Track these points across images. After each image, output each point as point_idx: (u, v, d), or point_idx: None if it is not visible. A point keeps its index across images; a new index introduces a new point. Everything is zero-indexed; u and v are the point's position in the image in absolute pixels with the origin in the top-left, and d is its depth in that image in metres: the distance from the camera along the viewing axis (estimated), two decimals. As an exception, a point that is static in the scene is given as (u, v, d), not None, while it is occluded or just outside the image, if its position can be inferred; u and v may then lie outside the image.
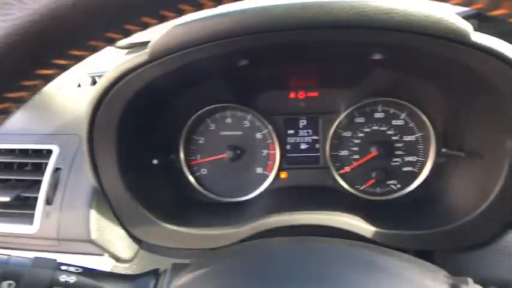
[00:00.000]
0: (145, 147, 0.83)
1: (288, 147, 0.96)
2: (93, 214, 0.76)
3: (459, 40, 0.58)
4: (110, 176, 0.75)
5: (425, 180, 0.90)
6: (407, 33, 0.57)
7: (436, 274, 0.48)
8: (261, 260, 0.45)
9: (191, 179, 0.96)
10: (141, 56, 0.64)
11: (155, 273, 0.56)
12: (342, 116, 0.91)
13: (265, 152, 0.96)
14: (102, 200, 0.78)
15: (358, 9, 0.56)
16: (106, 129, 0.71)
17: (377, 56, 0.65)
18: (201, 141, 0.97)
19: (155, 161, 0.84)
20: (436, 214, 0.80)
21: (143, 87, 0.67)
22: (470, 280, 0.49)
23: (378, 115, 0.93)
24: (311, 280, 0.36)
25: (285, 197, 0.92)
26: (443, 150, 0.86)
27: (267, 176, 0.95)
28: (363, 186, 0.93)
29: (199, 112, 0.93)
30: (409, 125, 0.92)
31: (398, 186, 0.93)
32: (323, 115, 0.94)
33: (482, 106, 0.71)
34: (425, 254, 0.78)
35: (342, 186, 0.93)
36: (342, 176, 0.94)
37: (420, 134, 0.91)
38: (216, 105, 0.93)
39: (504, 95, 0.63)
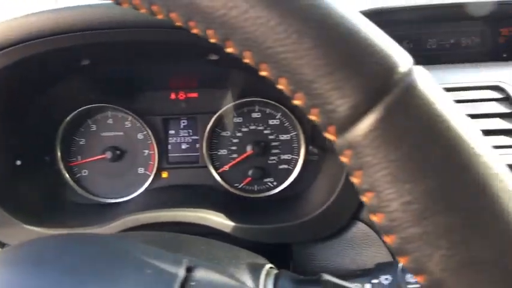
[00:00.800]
0: (6, 149, 0.81)
1: (170, 147, 0.97)
2: None
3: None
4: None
5: (297, 177, 0.94)
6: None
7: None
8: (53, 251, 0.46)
9: (70, 180, 0.95)
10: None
11: None
12: (216, 115, 0.93)
13: (146, 152, 0.97)
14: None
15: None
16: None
17: (213, 57, 0.67)
18: (81, 142, 0.96)
19: (18, 162, 0.82)
20: (299, 208, 0.84)
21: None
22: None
23: (255, 115, 0.96)
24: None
25: (164, 196, 0.93)
26: (310, 148, 0.90)
27: (148, 176, 0.96)
28: (241, 185, 0.96)
29: (75, 112, 0.92)
30: (285, 125, 0.96)
31: (275, 183, 0.96)
32: (202, 115, 0.96)
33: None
34: (284, 247, 0.81)
35: (220, 185, 0.96)
36: (221, 174, 0.96)
37: (294, 133, 0.95)
38: (94, 106, 0.93)
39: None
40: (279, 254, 0.77)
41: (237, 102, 0.93)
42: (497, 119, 0.71)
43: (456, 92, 0.75)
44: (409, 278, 0.44)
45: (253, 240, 0.78)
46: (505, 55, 1.15)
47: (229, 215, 0.80)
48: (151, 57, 0.78)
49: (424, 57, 1.17)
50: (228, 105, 0.93)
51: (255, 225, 0.79)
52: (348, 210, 0.75)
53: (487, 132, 0.70)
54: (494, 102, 0.73)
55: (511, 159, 0.66)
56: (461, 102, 0.74)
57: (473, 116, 0.71)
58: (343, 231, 0.77)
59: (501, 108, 0.72)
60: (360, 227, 0.77)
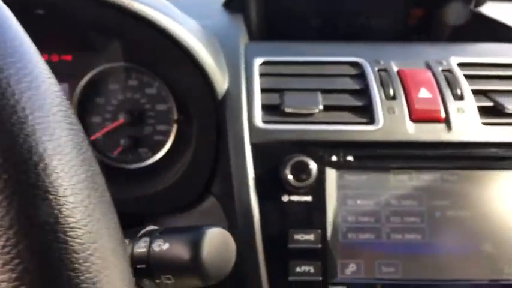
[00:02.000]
0: None
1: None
2: None
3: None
4: None
5: (171, 148, 0.91)
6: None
7: None
8: None
9: None
10: None
11: None
12: (86, 79, 0.89)
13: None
14: None
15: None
16: None
17: (40, 11, 0.63)
18: None
19: None
20: (159, 179, 0.81)
21: None
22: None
23: (131, 82, 0.92)
24: None
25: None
26: (180, 117, 0.87)
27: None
28: (114, 154, 0.92)
29: None
30: (162, 94, 0.92)
31: (149, 154, 0.93)
32: (73, 79, 0.91)
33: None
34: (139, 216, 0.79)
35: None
36: (93, 142, 0.92)
37: (172, 104, 0.92)
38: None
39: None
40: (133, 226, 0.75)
41: (109, 66, 0.89)
42: (346, 95, 0.70)
43: (314, 66, 0.74)
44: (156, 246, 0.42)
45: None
46: (414, 36, 1.15)
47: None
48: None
49: (333, 35, 1.16)
50: (100, 69, 0.89)
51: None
52: (199, 182, 0.73)
53: (335, 108, 0.68)
54: (347, 78, 0.72)
55: (348, 136, 0.65)
56: (317, 76, 0.72)
57: (325, 91, 0.70)
58: (195, 204, 0.76)
59: (354, 84, 0.71)
60: (211, 201, 0.75)
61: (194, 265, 0.39)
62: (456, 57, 0.74)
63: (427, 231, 0.65)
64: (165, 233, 0.45)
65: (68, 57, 0.92)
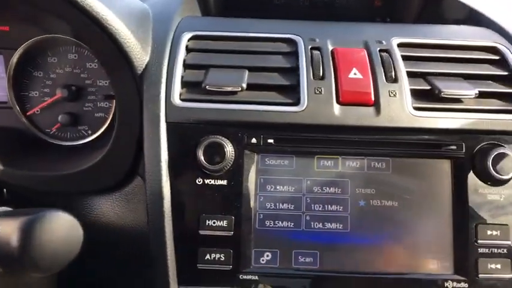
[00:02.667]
0: None
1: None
2: None
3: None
4: None
5: (110, 126, 0.88)
6: None
7: None
8: None
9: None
10: None
11: None
12: (21, 51, 0.85)
13: None
14: None
15: None
16: None
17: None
18: None
19: None
20: (88, 157, 0.78)
21: None
22: None
23: (71, 56, 0.88)
24: None
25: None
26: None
27: None
28: (52, 130, 0.89)
29: None
30: (103, 69, 0.88)
31: (89, 131, 0.90)
32: (9, 51, 0.87)
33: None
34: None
35: (30, 129, 0.88)
36: (30, 118, 0.89)
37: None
38: None
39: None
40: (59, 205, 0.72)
41: (44, 37, 0.84)
42: (275, 74, 0.65)
43: (245, 42, 0.69)
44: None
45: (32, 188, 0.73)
46: (378, 19, 1.09)
47: (24, 161, 0.74)
48: None
49: (297, 13, 1.10)
50: (36, 40, 0.84)
51: (41, 173, 0.73)
52: (124, 162, 0.69)
53: (260, 87, 0.64)
54: (279, 56, 0.67)
55: (270, 117, 0.61)
56: (246, 53, 0.68)
57: (253, 69, 0.66)
58: (122, 184, 0.72)
59: (284, 63, 0.66)
60: (138, 182, 0.72)
61: (21, 254, 0.35)
62: (398, 37, 0.69)
63: (350, 221, 0.61)
64: (3, 215, 0.41)
65: (6, 28, 0.88)
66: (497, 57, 0.70)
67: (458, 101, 0.63)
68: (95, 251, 0.75)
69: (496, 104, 0.64)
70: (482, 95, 0.64)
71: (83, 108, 0.90)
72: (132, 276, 0.74)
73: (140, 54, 0.65)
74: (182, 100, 0.63)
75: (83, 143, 0.91)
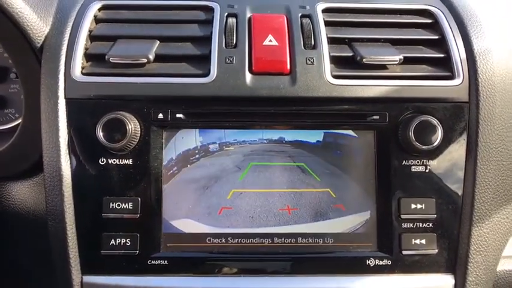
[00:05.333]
0: None
1: None
2: None
3: None
4: None
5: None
6: None
7: None
8: None
9: None
10: None
11: None
12: None
13: None
14: None
15: None
16: None
17: None
18: None
19: None
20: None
21: None
22: None
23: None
24: None
25: None
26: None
27: None
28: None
29: None
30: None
31: (16, 115, 0.85)
32: None
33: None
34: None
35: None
36: None
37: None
38: None
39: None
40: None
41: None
42: (188, 43, 0.60)
43: (158, 11, 0.64)
44: None
45: None
46: None
47: None
48: None
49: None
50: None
51: None
52: (36, 146, 0.64)
53: (170, 58, 0.59)
54: (194, 25, 0.62)
55: (178, 90, 0.57)
56: (158, 22, 0.63)
57: (165, 39, 0.61)
58: (39, 169, 0.68)
59: (198, 31, 0.62)
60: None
61: None
62: (323, 2, 0.64)
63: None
64: None
65: None
66: (429, 21, 0.65)
67: (381, 67, 0.59)
68: (16, 240, 0.71)
69: (422, 70, 0.60)
70: (408, 60, 0.60)
71: (8, 91, 0.85)
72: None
73: (38, 25, 0.59)
74: (84, 74, 0.58)
75: (10, 127, 0.86)
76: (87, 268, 0.56)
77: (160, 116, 0.57)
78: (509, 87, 0.61)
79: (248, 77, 0.57)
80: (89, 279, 0.56)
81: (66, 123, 0.57)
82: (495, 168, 0.58)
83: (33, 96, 0.62)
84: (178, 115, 0.57)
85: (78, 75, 0.58)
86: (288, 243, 0.57)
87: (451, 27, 0.63)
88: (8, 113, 0.86)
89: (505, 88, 0.60)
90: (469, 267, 0.56)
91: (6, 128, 0.85)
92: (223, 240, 0.57)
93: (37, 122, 0.63)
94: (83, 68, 0.59)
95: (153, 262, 0.56)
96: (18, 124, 0.84)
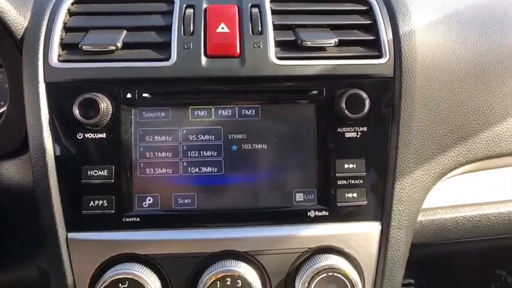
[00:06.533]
0: None
1: None
2: None
3: None
4: None
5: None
6: None
7: None
8: None
9: None
10: None
11: None
12: None
13: None
14: None
15: None
16: None
17: None
18: None
19: None
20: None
21: None
22: None
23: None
24: None
25: None
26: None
27: None
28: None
29: None
30: None
31: (1, 103, 0.92)
32: None
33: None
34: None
35: None
36: None
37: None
38: None
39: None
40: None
41: None
42: (150, 32, 0.69)
43: (124, 4, 0.73)
44: None
45: None
46: None
47: None
48: None
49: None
50: None
51: None
52: (20, 128, 0.72)
53: (135, 46, 0.68)
54: (155, 15, 0.71)
55: (142, 73, 0.66)
56: (124, 14, 0.72)
57: (130, 29, 0.69)
58: (25, 148, 0.75)
59: (160, 21, 0.70)
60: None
61: None
62: None
63: (224, 164, 0.68)
64: None
65: None
66: (364, 8, 0.75)
67: (320, 49, 0.69)
68: (24, 220, 0.79)
69: (355, 50, 0.70)
70: (343, 43, 0.70)
71: (-6, 79, 0.93)
72: None
73: (17, 19, 0.67)
74: (60, 61, 0.67)
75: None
76: (71, 226, 0.65)
77: (129, 95, 0.66)
78: (429, 65, 0.71)
79: (204, 60, 0.67)
80: (73, 235, 0.65)
81: (46, 104, 0.65)
82: (415, 133, 0.68)
83: (16, 83, 0.71)
84: (144, 94, 0.66)
85: (55, 62, 0.66)
86: (244, 200, 0.68)
87: (382, 14, 0.73)
88: (-6, 102, 0.94)
89: (425, 65, 0.70)
90: (392, 215, 0.68)
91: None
92: (189, 201, 0.67)
93: (21, 106, 0.71)
94: (59, 56, 0.67)
95: (127, 219, 0.66)
96: (3, 112, 0.92)
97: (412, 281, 1.86)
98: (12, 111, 0.74)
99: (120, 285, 0.63)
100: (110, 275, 0.63)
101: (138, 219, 0.66)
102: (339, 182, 0.67)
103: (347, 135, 0.68)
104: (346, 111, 0.66)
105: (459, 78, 0.73)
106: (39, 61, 0.66)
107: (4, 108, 0.92)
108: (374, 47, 0.70)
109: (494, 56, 0.75)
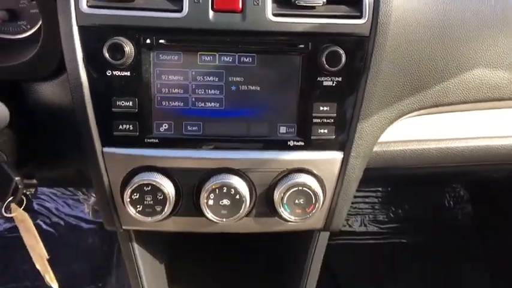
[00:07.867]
0: None
1: None
2: None
3: None
4: None
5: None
6: None
7: None
8: None
9: None
10: None
11: None
12: None
13: None
14: None
15: None
16: None
17: None
18: None
19: None
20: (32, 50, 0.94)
21: None
22: None
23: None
24: None
25: None
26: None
27: None
28: (-8, 23, 1.03)
29: None
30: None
31: (28, 26, 1.04)
32: None
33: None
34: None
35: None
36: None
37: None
38: None
39: None
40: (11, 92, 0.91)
41: None
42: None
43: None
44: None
45: None
46: None
47: None
48: None
49: None
50: None
51: None
52: (54, 57, 0.86)
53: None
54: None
55: (159, 22, 0.78)
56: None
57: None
58: (59, 73, 0.90)
59: None
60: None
61: None
62: None
63: (224, 101, 0.85)
64: None
65: None
66: None
67: (311, 8, 0.81)
68: (62, 131, 0.97)
69: (341, 10, 0.82)
70: (332, 2, 0.81)
71: (19, 5, 1.02)
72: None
73: None
74: (89, 7, 0.78)
75: (24, 37, 1.06)
76: (105, 143, 0.85)
77: (148, 41, 0.79)
78: (401, 26, 0.84)
79: (211, 13, 0.79)
80: (107, 149, 0.86)
81: (80, 45, 0.79)
82: (379, 84, 0.85)
83: (49, 22, 0.83)
84: (160, 41, 0.80)
85: (85, 7, 0.78)
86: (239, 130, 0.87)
87: None
88: (21, 24, 1.05)
89: (398, 26, 0.83)
90: (352, 147, 0.88)
91: (21, 38, 1.05)
92: (196, 128, 0.86)
93: (53, 40, 0.84)
94: (87, 1, 0.78)
95: (148, 140, 0.85)
96: (30, 34, 1.03)
97: (380, 188, 2.18)
98: (47, 42, 0.86)
99: (144, 188, 0.85)
100: (137, 180, 0.85)
101: (156, 140, 0.85)
102: (314, 120, 0.86)
103: (324, 83, 0.84)
104: (326, 65, 0.80)
105: (424, 39, 0.86)
106: (72, 7, 0.78)
107: (30, 32, 1.04)
108: (357, 8, 0.82)
109: (459, 18, 0.88)
